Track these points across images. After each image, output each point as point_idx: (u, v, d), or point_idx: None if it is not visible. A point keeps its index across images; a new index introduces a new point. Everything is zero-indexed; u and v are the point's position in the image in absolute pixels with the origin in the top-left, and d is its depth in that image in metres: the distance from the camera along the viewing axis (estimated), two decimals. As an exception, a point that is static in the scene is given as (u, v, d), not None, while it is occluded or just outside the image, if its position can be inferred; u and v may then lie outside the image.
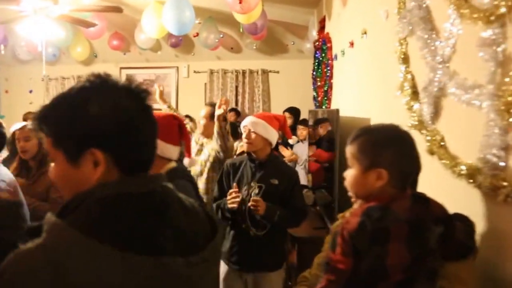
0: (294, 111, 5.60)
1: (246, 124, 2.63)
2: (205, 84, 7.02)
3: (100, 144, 0.84)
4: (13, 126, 3.05)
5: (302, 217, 2.64)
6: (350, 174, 1.30)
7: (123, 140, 0.86)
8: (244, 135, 2.62)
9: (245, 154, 2.72)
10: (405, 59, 2.04)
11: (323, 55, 4.72)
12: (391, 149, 1.24)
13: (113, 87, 0.89)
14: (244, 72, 6.96)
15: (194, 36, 5.67)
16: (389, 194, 1.22)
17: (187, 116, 5.09)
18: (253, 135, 2.56)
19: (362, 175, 1.26)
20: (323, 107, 4.61)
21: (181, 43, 6.19)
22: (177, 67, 7.15)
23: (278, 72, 6.97)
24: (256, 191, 2.53)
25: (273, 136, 2.63)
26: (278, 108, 6.30)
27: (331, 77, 4.36)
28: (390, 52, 2.23)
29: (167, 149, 2.01)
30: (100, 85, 0.89)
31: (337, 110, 2.99)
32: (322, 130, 3.58)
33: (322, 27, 4.89)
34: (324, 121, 3.52)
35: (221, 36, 5.80)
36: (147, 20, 4.97)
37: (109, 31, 6.19)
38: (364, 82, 3.04)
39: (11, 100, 7.48)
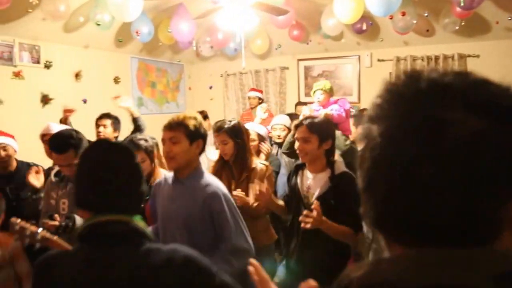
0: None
1: None
2: (390, 73, 6.32)
3: None
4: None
5: None
6: None
7: None
8: None
9: None
10: None
11: None
12: None
13: None
14: (437, 58, 6.07)
15: (390, 18, 5.03)
16: None
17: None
18: None
19: None
20: None
21: (369, 28, 5.60)
22: (359, 56, 6.58)
23: (478, 56, 5.93)
24: None
25: None
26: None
27: None
28: None
29: None
30: None
31: None
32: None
33: None
34: None
35: (426, 14, 5.06)
36: (340, 2, 4.51)
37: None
38: None
39: (193, 97, 7.76)
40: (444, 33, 5.71)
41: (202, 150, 2.22)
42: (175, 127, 2.12)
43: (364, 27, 5.54)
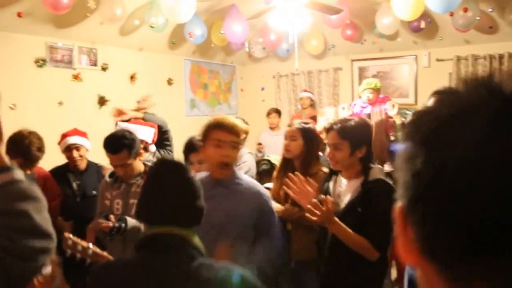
0: None
1: None
2: (450, 74, 6.01)
3: None
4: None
5: None
6: None
7: None
8: None
9: None
10: None
11: None
12: None
13: None
14: (501, 57, 5.70)
15: (451, 15, 4.77)
16: None
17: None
18: None
19: None
20: None
21: (427, 26, 5.35)
22: (416, 56, 6.31)
23: (549, 54, 5.52)
24: None
25: None
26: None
27: None
28: None
29: None
30: None
31: None
32: None
33: None
34: None
35: (490, 10, 4.77)
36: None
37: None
38: None
39: (245, 98, 7.75)
40: (509, 30, 5.34)
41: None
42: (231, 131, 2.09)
43: (422, 25, 5.30)
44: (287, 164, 2.81)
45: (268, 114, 6.24)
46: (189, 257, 1.23)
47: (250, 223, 2.05)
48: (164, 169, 1.33)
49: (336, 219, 2.00)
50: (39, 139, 2.98)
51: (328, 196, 2.05)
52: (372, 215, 2.02)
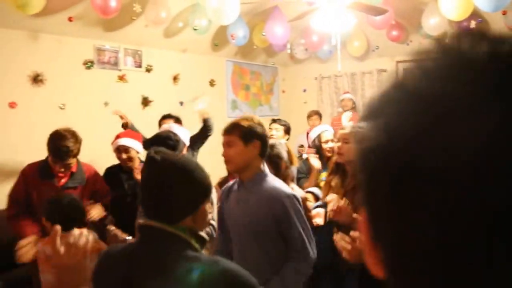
0: None
1: None
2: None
3: None
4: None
5: None
6: None
7: None
8: None
9: None
10: None
11: None
12: None
13: None
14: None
15: (503, 14, 4.56)
16: None
17: None
18: None
19: None
20: None
21: (478, 25, 5.13)
22: (465, 57, 6.07)
23: None
24: None
25: None
26: None
27: None
28: None
29: None
30: None
31: None
32: None
33: None
34: None
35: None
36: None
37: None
38: None
39: (287, 99, 7.71)
40: None
41: (262, 151, 2.13)
42: (230, 131, 2.11)
43: (472, 25, 5.08)
44: (338, 169, 2.69)
45: (309, 116, 6.18)
46: (176, 250, 1.26)
47: (270, 228, 2.06)
48: (152, 165, 1.36)
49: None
50: (73, 136, 2.89)
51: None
52: None
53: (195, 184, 1.33)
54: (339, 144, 2.67)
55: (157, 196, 1.31)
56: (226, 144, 2.11)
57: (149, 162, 1.35)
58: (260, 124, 2.14)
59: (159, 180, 1.31)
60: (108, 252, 1.43)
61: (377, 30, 5.64)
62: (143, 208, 1.37)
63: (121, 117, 3.95)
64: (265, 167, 2.19)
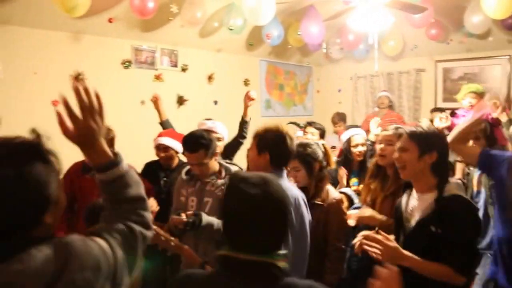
0: None
1: None
2: (549, 75, 5.51)
3: None
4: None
5: None
6: None
7: None
8: None
9: None
10: None
11: None
12: None
13: None
14: None
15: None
16: None
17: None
18: None
19: None
20: None
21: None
22: (510, 56, 5.84)
23: None
24: None
25: None
26: None
27: None
28: None
29: None
30: None
31: None
32: None
33: None
34: None
35: None
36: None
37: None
38: None
39: (322, 99, 7.64)
40: None
41: (275, 162, 2.17)
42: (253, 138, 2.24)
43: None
44: (379, 172, 2.63)
45: (334, 123, 5.97)
46: (273, 279, 1.20)
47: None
48: (246, 193, 1.23)
49: (407, 253, 1.82)
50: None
51: (379, 234, 1.86)
52: (451, 237, 1.82)
53: (288, 208, 1.28)
54: (381, 146, 2.59)
55: (256, 230, 1.22)
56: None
57: (238, 193, 1.24)
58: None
59: (258, 215, 1.22)
60: (185, 281, 1.32)
61: (415, 29, 5.51)
62: (228, 239, 1.27)
63: (155, 100, 3.94)
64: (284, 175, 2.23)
